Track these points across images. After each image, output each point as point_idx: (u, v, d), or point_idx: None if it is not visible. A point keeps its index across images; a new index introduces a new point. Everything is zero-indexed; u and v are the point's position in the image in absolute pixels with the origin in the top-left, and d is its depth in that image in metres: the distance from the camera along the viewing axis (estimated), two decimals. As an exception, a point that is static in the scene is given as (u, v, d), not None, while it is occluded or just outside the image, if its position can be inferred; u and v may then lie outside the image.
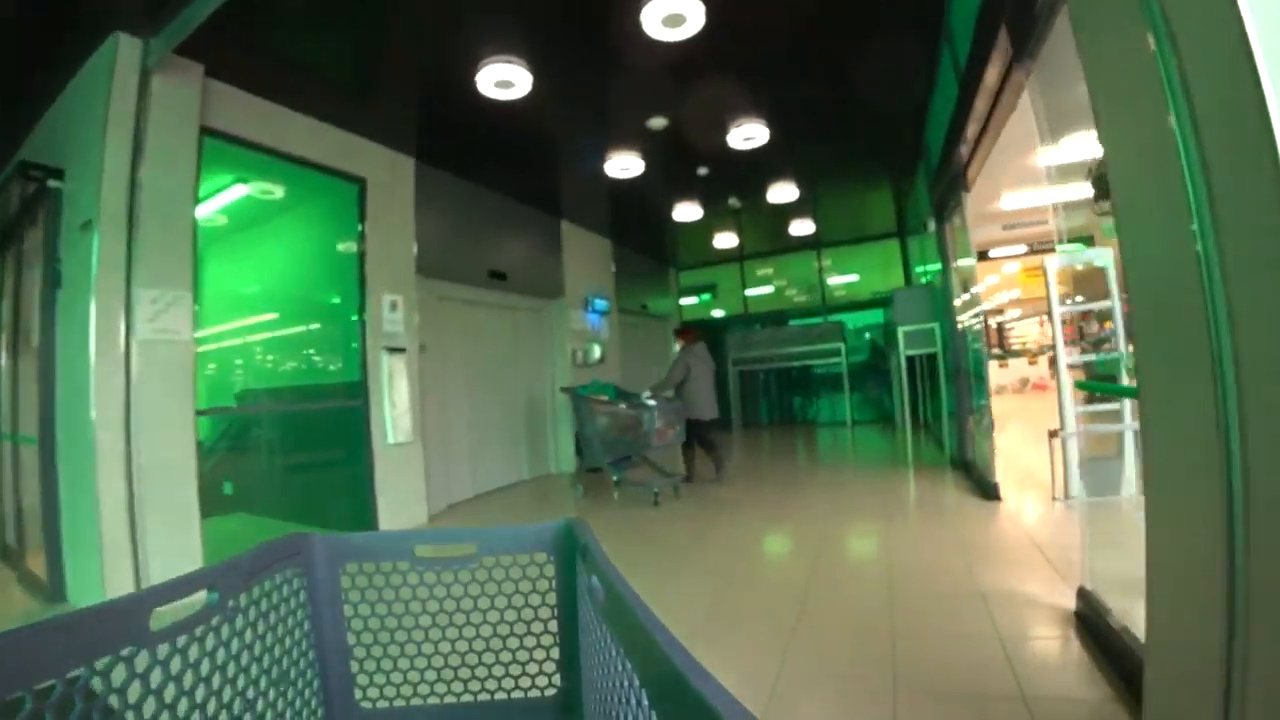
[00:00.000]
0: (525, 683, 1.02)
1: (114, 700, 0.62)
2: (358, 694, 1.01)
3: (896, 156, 6.77)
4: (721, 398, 10.42)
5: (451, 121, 5.02)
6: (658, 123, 5.35)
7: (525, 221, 7.26)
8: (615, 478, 5.82)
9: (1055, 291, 4.30)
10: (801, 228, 9.46)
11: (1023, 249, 9.08)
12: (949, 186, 5.03)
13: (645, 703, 0.55)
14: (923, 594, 2.78)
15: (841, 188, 7.98)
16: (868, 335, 11.29)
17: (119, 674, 0.63)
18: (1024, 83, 2.77)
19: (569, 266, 7.99)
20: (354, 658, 1.01)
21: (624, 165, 6.12)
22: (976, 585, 2.82)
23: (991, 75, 2.99)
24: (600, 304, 8.48)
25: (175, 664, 0.70)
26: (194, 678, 0.72)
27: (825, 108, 5.39)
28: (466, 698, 1.01)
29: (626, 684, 0.61)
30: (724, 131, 5.59)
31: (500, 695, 1.02)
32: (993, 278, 11.06)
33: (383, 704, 1.01)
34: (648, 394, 5.87)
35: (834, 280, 11.22)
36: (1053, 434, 4.31)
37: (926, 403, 8.53)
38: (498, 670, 1.02)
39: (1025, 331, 14.98)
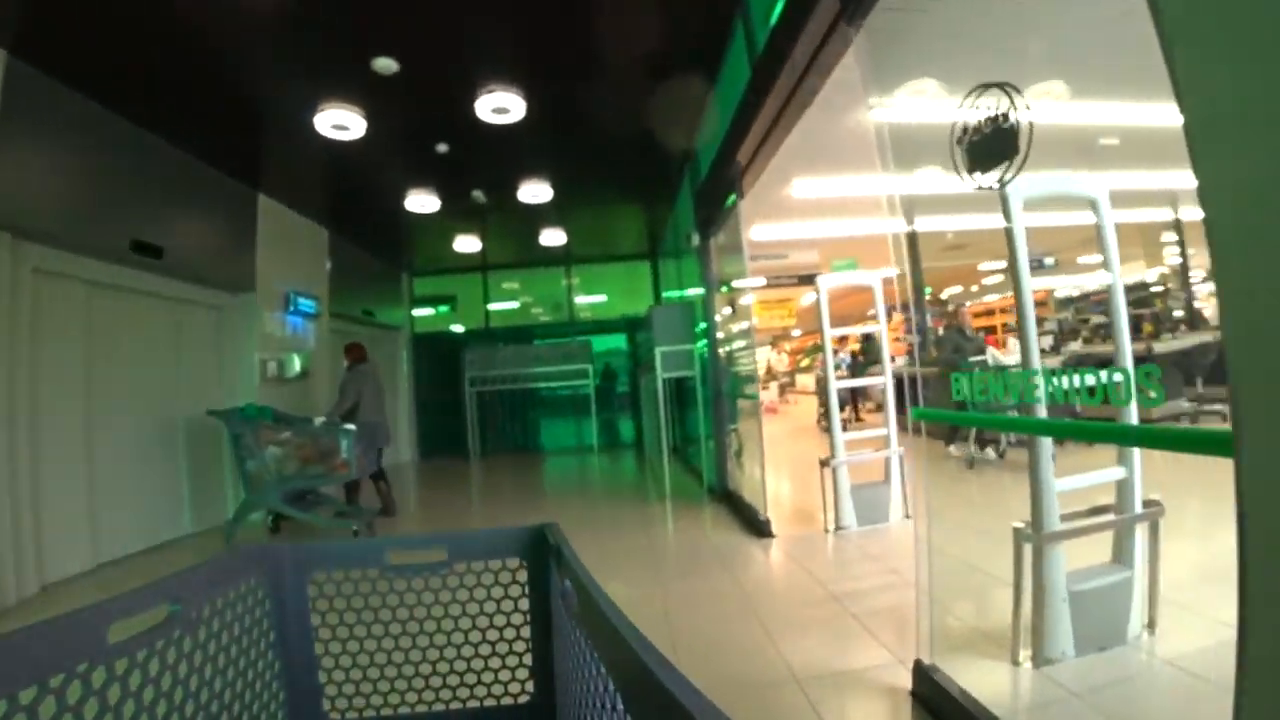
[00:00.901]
0: (498, 690, 1.01)
1: (69, 719, 0.59)
2: (326, 705, 0.99)
3: (664, 158, 5.97)
4: (456, 423, 10.13)
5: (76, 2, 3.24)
6: (386, 65, 4.02)
7: (203, 186, 5.43)
8: (270, 521, 5.13)
9: (827, 313, 4.29)
10: (552, 238, 8.54)
11: (762, 281, 9.22)
12: (723, 190, 4.58)
13: (620, 706, 0.55)
14: (727, 685, 2.22)
15: (599, 196, 7.21)
16: (611, 358, 10.83)
17: (74, 691, 0.61)
18: (851, 41, 2.40)
19: (266, 253, 6.21)
20: (322, 668, 0.99)
21: (340, 121, 4.62)
22: (788, 664, 2.33)
23: (812, 32, 2.61)
24: (306, 305, 6.91)
25: (134, 679, 0.68)
26: (154, 693, 0.70)
27: (593, 91, 4.54)
28: (439, 707, 1.00)
29: (601, 688, 0.61)
30: (472, 94, 4.41)
31: (473, 703, 1.00)
32: (727, 308, 11.67)
33: (351, 715, 0.99)
34: (321, 420, 5.03)
35: (583, 300, 10.64)
36: (824, 463, 4.11)
37: (676, 428, 8.20)
38: (470, 678, 1.01)
39: (755, 359, 17.17)
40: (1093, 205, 1.97)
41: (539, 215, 7.47)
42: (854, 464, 4.17)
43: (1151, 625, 2.11)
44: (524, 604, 1.02)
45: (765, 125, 3.48)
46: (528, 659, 1.01)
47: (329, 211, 7.11)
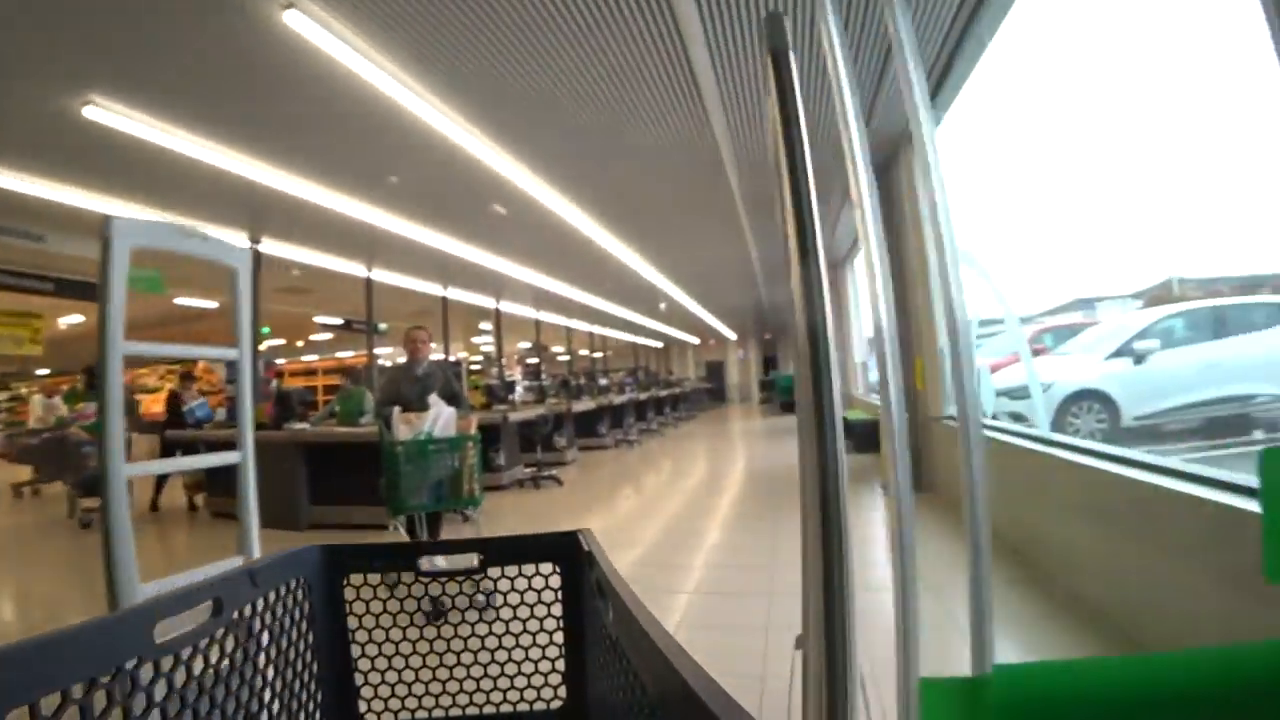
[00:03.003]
0: (531, 695, 1.01)
1: (116, 714, 0.61)
2: (361, 706, 1.00)
3: None
4: None
5: None
6: None
7: None
8: None
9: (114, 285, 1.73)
10: None
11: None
12: None
13: (655, 715, 0.54)
14: None
15: None
16: None
17: (122, 687, 0.62)
18: None
19: None
20: (358, 670, 1.00)
21: None
22: None
23: None
24: None
25: (179, 676, 0.69)
26: (197, 689, 0.71)
27: None
28: (471, 710, 1.00)
29: (636, 695, 0.61)
30: None
31: (505, 708, 1.00)
32: None
33: (387, 717, 1.00)
34: None
35: None
36: None
37: None
38: (503, 682, 1.01)
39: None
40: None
41: None
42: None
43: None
44: (557, 609, 1.02)
45: None
46: (560, 665, 1.01)
47: None
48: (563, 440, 8.76)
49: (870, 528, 4.51)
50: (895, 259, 5.89)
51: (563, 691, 1.01)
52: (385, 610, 1.01)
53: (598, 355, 19.05)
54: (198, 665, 0.72)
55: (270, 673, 0.83)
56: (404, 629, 1.01)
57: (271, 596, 0.88)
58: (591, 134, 5.01)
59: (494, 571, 1.02)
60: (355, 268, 9.03)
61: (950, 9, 3.42)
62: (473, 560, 1.02)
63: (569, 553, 1.01)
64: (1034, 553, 3.31)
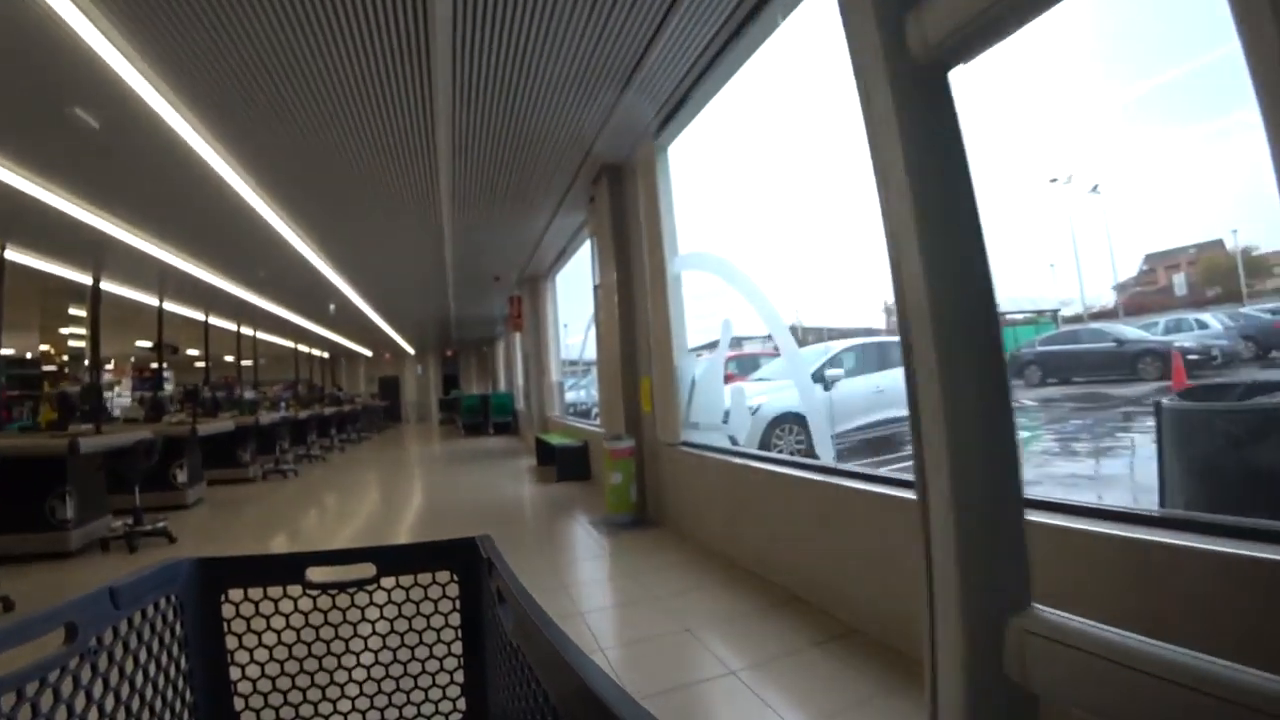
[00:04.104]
0: (429, 709, 0.98)
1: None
2: (241, 733, 0.94)
3: None
4: None
5: None
6: None
7: None
8: None
9: None
10: None
11: None
12: None
13: (558, 723, 0.54)
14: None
15: None
16: None
17: (-47, 731, 0.55)
18: None
19: None
20: (238, 694, 0.94)
21: None
22: None
23: None
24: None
25: (22, 715, 0.62)
26: (46, 729, 0.64)
27: None
28: (365, 728, 0.96)
29: (539, 702, 0.60)
30: None
31: (401, 723, 0.97)
32: None
33: (270, 742, 0.94)
34: None
35: None
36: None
37: None
38: (398, 698, 0.98)
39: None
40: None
41: None
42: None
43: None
44: (455, 619, 0.99)
45: None
46: (459, 676, 0.99)
47: None
48: (183, 474, 6.59)
49: (596, 583, 3.59)
50: (623, 269, 5.35)
51: (462, 704, 0.99)
52: (269, 628, 0.95)
53: (248, 363, 14.72)
54: (46, 701, 0.65)
55: (135, 704, 0.76)
56: (290, 646, 0.96)
57: (137, 618, 0.80)
58: (274, 65, 3.56)
59: (387, 582, 0.98)
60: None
61: (681, 74, 3.89)
62: (369, 569, 0.98)
63: (467, 559, 0.99)
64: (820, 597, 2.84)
